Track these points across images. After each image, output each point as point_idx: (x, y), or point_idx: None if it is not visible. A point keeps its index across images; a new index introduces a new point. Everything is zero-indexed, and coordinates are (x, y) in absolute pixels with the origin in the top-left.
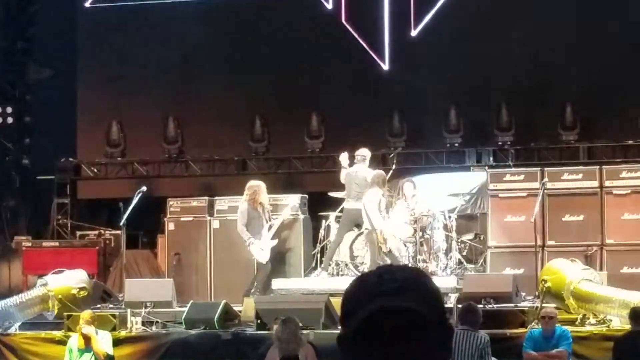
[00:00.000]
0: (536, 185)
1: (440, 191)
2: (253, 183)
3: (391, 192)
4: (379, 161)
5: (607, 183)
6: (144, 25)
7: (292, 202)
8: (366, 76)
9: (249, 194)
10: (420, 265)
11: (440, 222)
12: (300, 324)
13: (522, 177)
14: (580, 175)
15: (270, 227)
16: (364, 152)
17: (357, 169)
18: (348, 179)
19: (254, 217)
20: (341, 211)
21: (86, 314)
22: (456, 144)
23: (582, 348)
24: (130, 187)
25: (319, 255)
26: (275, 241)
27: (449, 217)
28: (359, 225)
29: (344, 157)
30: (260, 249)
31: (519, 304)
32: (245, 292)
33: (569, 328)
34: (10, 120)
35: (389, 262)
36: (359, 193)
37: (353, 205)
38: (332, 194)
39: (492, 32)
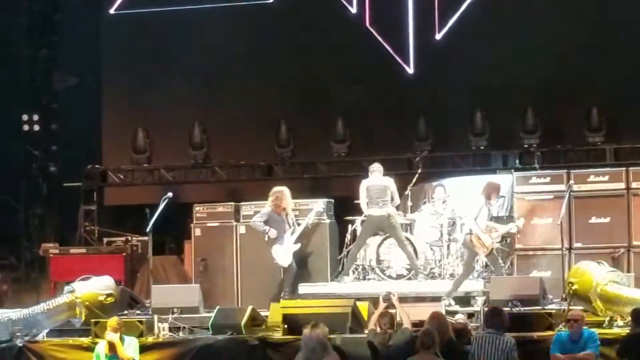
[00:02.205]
0: (562, 187)
1: (466, 195)
2: (277, 189)
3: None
4: (404, 165)
5: (633, 184)
6: (168, 31)
7: (316, 207)
8: (391, 80)
9: (272, 200)
10: (447, 268)
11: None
12: (327, 330)
13: (548, 179)
14: (606, 177)
15: (293, 231)
16: (377, 166)
17: (374, 178)
18: (369, 189)
19: (277, 221)
20: (366, 216)
21: (112, 320)
22: (482, 147)
23: (610, 350)
24: (157, 193)
25: (345, 260)
26: (298, 245)
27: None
28: (383, 231)
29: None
30: (282, 253)
31: (546, 307)
32: (272, 297)
33: (596, 330)
34: (36, 127)
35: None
36: (380, 200)
37: (376, 212)
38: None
39: (516, 34)
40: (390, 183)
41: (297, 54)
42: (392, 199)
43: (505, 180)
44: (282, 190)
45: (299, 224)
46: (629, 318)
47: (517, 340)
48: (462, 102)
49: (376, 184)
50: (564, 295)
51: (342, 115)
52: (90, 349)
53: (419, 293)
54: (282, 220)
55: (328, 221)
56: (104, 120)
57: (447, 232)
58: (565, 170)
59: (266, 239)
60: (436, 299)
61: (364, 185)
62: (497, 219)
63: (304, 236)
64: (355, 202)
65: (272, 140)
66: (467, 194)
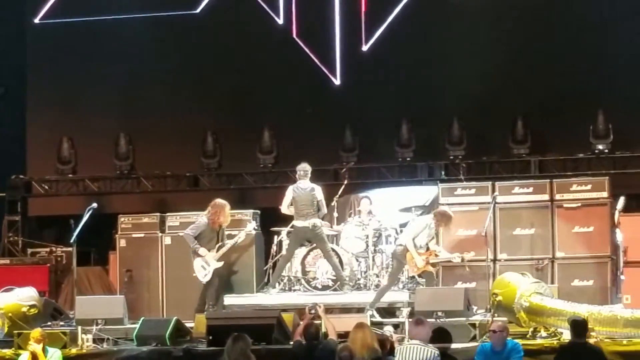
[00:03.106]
0: (487, 199)
1: (392, 206)
2: (218, 202)
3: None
4: (331, 176)
5: (557, 196)
6: (94, 42)
7: (248, 227)
8: (318, 91)
9: (212, 212)
10: (372, 279)
11: (392, 237)
12: (252, 340)
13: (473, 191)
14: (530, 189)
15: (220, 247)
16: (306, 167)
17: (302, 185)
18: (295, 199)
19: (209, 236)
20: (292, 227)
21: (36, 332)
22: (408, 159)
23: None
24: (82, 204)
25: (271, 271)
26: (221, 264)
27: (401, 231)
28: (309, 241)
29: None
30: (202, 267)
31: (470, 318)
32: (196, 308)
33: (520, 341)
34: None
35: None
36: (306, 211)
37: (302, 224)
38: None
39: (442, 45)
40: (317, 192)
41: (223, 64)
42: (319, 209)
43: (430, 191)
44: (224, 206)
45: (228, 239)
46: (552, 329)
47: (440, 351)
48: (388, 113)
49: (303, 194)
50: (488, 306)
51: (269, 126)
52: None
53: (345, 304)
54: (214, 236)
55: (254, 232)
56: (29, 130)
57: (372, 243)
58: (490, 182)
59: (191, 253)
60: (361, 309)
61: (290, 192)
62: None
63: (233, 247)
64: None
65: (198, 151)
66: (393, 205)
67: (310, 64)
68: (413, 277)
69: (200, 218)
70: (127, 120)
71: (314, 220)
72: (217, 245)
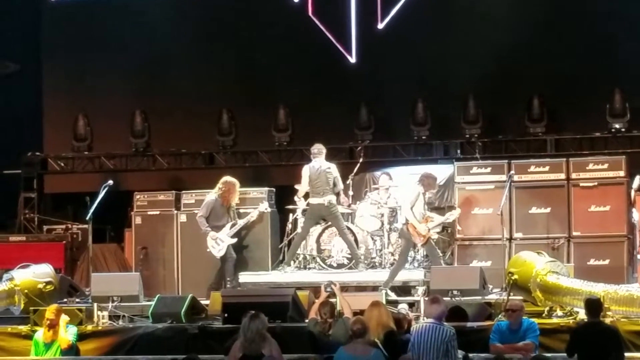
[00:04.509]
0: (503, 177)
1: (407, 184)
2: (229, 180)
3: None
4: (346, 154)
5: (573, 175)
6: (110, 19)
7: (261, 207)
8: (333, 69)
9: (222, 189)
10: (387, 258)
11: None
12: (267, 318)
13: (489, 169)
14: (547, 168)
15: (233, 225)
16: (320, 146)
17: (316, 163)
18: (311, 177)
19: (220, 213)
20: (308, 204)
21: (53, 307)
22: (423, 137)
23: (549, 340)
24: (97, 181)
25: (286, 249)
26: (235, 240)
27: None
28: (324, 220)
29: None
30: (216, 243)
31: (486, 297)
32: (210, 285)
33: (536, 320)
34: None
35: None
36: (321, 189)
37: (317, 201)
38: (298, 186)
39: (459, 24)
40: (332, 169)
41: (239, 42)
42: (335, 185)
43: (446, 170)
44: (234, 183)
45: (239, 217)
46: (568, 308)
47: (457, 330)
48: (403, 92)
49: (318, 172)
50: (504, 285)
51: (284, 104)
52: (29, 336)
53: (360, 282)
54: (225, 212)
55: (269, 210)
56: (45, 108)
57: (387, 221)
58: (506, 161)
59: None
60: (376, 288)
61: (306, 170)
62: (438, 210)
63: (245, 226)
64: (297, 186)
65: (214, 128)
66: (408, 183)
67: (326, 41)
68: (428, 255)
69: (209, 196)
70: (142, 97)
71: (329, 197)
72: (230, 224)
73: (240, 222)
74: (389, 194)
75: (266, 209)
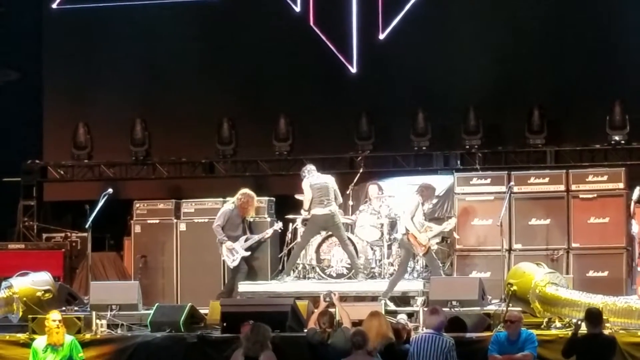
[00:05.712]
0: (503, 188)
1: (406, 194)
2: (248, 192)
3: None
4: (346, 164)
5: (573, 187)
6: (111, 27)
7: (276, 226)
8: (334, 79)
9: (241, 200)
10: (387, 268)
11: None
12: (269, 330)
13: (489, 180)
14: (546, 179)
15: (247, 239)
16: (311, 166)
17: (314, 177)
18: (313, 188)
19: (236, 223)
20: (311, 215)
21: (55, 311)
22: (424, 147)
23: (548, 352)
24: (97, 189)
25: (285, 259)
26: (248, 253)
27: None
28: (325, 230)
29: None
30: (231, 253)
31: (485, 308)
32: (219, 294)
33: (534, 332)
34: None
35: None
36: (324, 199)
37: (322, 211)
38: (299, 197)
39: (459, 34)
40: (331, 181)
41: (240, 52)
42: (336, 198)
43: (446, 180)
44: (253, 196)
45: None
46: (567, 319)
47: (456, 341)
48: (404, 102)
49: (319, 183)
50: (503, 296)
51: (285, 113)
52: (27, 345)
53: (359, 292)
54: (240, 224)
55: (269, 219)
56: (45, 116)
57: (387, 231)
58: (506, 172)
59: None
60: (376, 298)
61: (307, 184)
62: (437, 220)
63: (259, 241)
64: (297, 196)
65: (214, 137)
66: (406, 193)
67: (327, 52)
68: (427, 266)
69: (226, 205)
70: (143, 106)
71: (331, 207)
72: (245, 237)
73: (255, 237)
74: (381, 203)
75: (280, 229)
